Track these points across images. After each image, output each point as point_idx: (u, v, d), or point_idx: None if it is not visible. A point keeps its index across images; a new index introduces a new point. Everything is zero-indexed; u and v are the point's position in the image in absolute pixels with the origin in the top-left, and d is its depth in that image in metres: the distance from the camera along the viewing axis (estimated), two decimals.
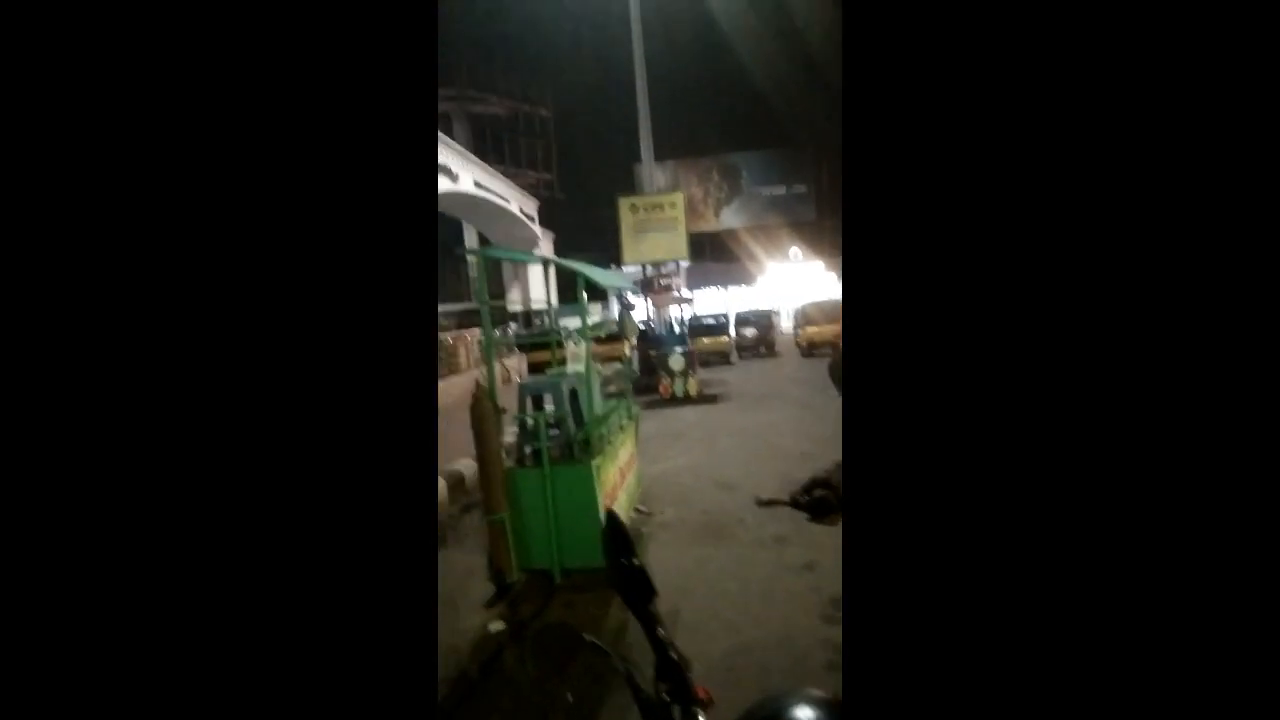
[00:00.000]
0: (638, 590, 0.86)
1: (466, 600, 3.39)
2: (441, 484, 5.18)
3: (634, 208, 14.57)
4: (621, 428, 4.38)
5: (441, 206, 15.66)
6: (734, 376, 11.86)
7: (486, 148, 23.29)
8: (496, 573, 3.40)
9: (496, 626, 3.06)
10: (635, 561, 0.87)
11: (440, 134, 14.31)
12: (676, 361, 9.41)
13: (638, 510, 4.46)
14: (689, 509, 4.54)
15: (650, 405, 8.83)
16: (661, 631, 0.84)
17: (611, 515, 0.94)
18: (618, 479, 4.00)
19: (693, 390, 9.40)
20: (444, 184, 13.55)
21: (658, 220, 14.61)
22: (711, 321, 14.78)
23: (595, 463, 3.48)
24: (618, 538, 0.90)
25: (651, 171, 17.40)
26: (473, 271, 22.69)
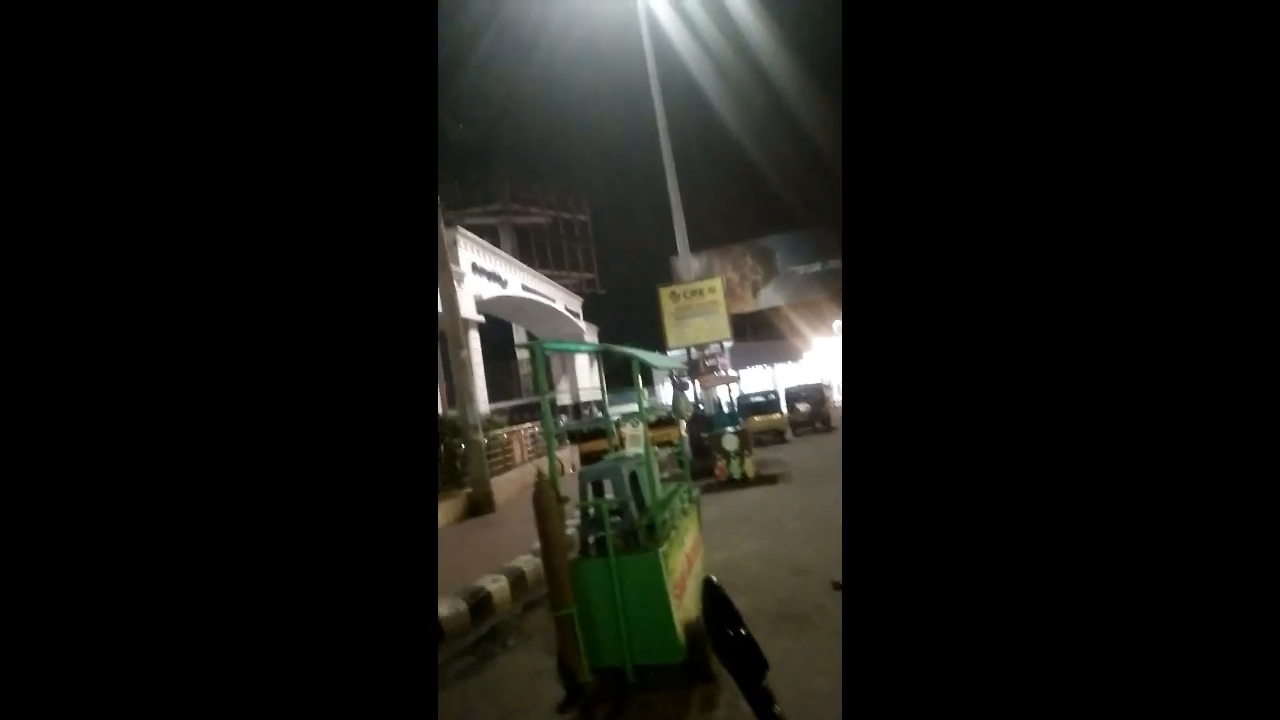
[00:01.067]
0: (748, 664, 0.81)
1: (537, 706, 3.21)
2: (503, 581, 5.07)
3: (674, 295, 14.99)
4: (684, 511, 4.25)
5: (492, 310, 16.50)
6: (791, 455, 11.47)
7: (531, 254, 24.85)
8: (567, 673, 3.22)
9: None
10: (743, 631, 0.82)
11: (488, 244, 15.38)
12: (730, 442, 9.19)
13: None
14: (762, 597, 4.27)
15: (707, 490, 8.57)
16: (778, 709, 0.78)
17: (710, 584, 0.90)
18: (685, 566, 3.83)
19: (749, 471, 9.10)
20: (493, 289, 14.37)
21: (698, 305, 14.93)
22: (761, 399, 14.55)
23: (662, 550, 3.36)
24: (721, 607, 0.85)
25: (688, 261, 18.06)
26: (524, 369, 23.44)
